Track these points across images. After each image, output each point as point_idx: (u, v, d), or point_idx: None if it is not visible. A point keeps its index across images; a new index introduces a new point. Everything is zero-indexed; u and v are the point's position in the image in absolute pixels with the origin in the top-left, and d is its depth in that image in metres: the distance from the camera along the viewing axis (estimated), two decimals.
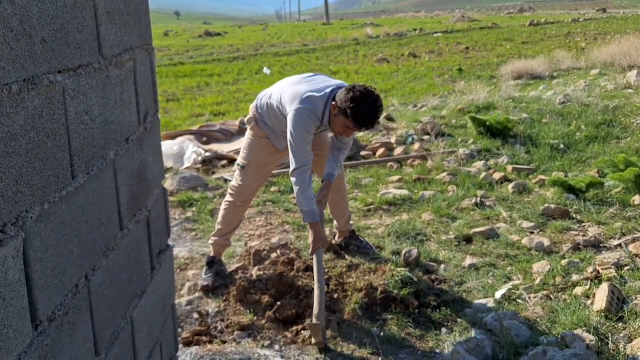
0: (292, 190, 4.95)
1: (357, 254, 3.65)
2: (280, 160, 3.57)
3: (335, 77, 13.91)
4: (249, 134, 3.32)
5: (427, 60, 18.87)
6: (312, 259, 3.54)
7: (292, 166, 2.99)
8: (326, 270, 3.41)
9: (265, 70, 16.58)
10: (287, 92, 3.05)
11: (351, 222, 3.80)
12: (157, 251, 1.93)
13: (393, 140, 6.02)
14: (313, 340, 2.72)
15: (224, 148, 6.72)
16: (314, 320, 2.71)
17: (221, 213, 3.42)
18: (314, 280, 2.95)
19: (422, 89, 12.40)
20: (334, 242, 3.77)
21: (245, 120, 3.36)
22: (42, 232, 1.11)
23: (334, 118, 2.97)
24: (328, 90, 3.00)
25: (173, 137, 7.07)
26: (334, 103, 2.93)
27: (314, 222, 3.02)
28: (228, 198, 3.39)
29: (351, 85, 2.95)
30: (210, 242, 3.45)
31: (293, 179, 3.03)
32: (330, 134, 3.36)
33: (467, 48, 22.00)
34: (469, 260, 3.49)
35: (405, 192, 4.69)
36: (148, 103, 1.81)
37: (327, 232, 3.96)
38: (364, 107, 2.84)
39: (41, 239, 1.11)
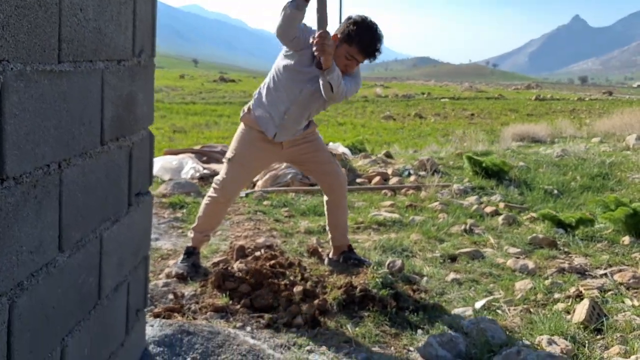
0: (284, 204, 4.99)
1: (356, 268, 3.41)
2: (269, 161, 3.56)
3: (342, 128, 14.09)
4: (240, 127, 3.31)
5: (432, 122, 19.20)
6: (295, 257, 3.53)
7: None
8: (308, 271, 3.38)
9: None
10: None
11: (348, 237, 3.65)
12: (137, 190, 1.94)
13: (389, 171, 6.08)
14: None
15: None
16: None
17: (202, 207, 3.36)
18: None
19: (425, 144, 12.57)
20: (329, 256, 3.58)
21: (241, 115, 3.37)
22: (25, 102, 1.16)
23: (335, 52, 2.91)
24: None
25: (174, 154, 7.14)
26: (333, 34, 2.93)
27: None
28: (211, 192, 3.32)
29: (348, 16, 2.99)
30: (190, 234, 3.43)
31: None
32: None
33: (473, 114, 22.38)
34: (452, 276, 3.46)
35: (396, 215, 4.70)
36: (145, 39, 1.87)
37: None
38: (366, 31, 2.89)
39: (22, 108, 1.15)
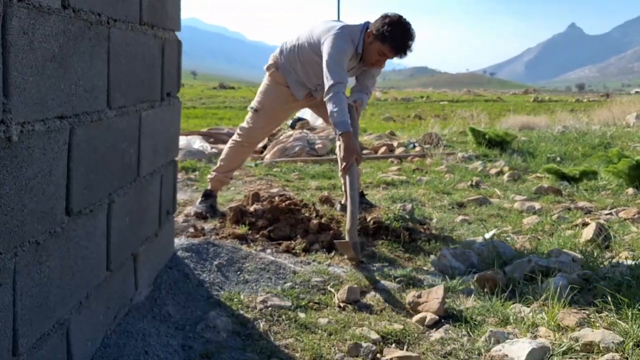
0: (294, 170, 5.09)
1: (365, 213, 3.58)
2: (292, 111, 3.69)
3: None
4: (266, 79, 3.40)
5: (432, 122, 19.28)
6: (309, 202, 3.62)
7: (328, 82, 2.94)
8: (321, 213, 3.48)
9: None
10: (320, 27, 3.17)
11: (360, 182, 3.78)
12: (168, 90, 2.06)
13: (395, 144, 6.19)
14: (346, 256, 2.71)
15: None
16: (346, 238, 2.70)
17: (225, 150, 3.51)
18: (345, 197, 2.98)
19: None
20: (341, 202, 3.74)
21: (265, 67, 3.47)
22: None
23: (368, 46, 3.06)
24: (362, 23, 3.14)
25: (183, 135, 7.26)
26: (369, 31, 3.06)
27: (347, 132, 2.92)
28: (235, 137, 3.46)
29: (384, 13, 3.10)
30: (210, 176, 3.55)
31: (328, 95, 2.95)
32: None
33: (472, 115, 22.44)
34: (460, 217, 3.56)
35: (403, 177, 4.81)
36: None
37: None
38: (399, 31, 2.99)
39: None
